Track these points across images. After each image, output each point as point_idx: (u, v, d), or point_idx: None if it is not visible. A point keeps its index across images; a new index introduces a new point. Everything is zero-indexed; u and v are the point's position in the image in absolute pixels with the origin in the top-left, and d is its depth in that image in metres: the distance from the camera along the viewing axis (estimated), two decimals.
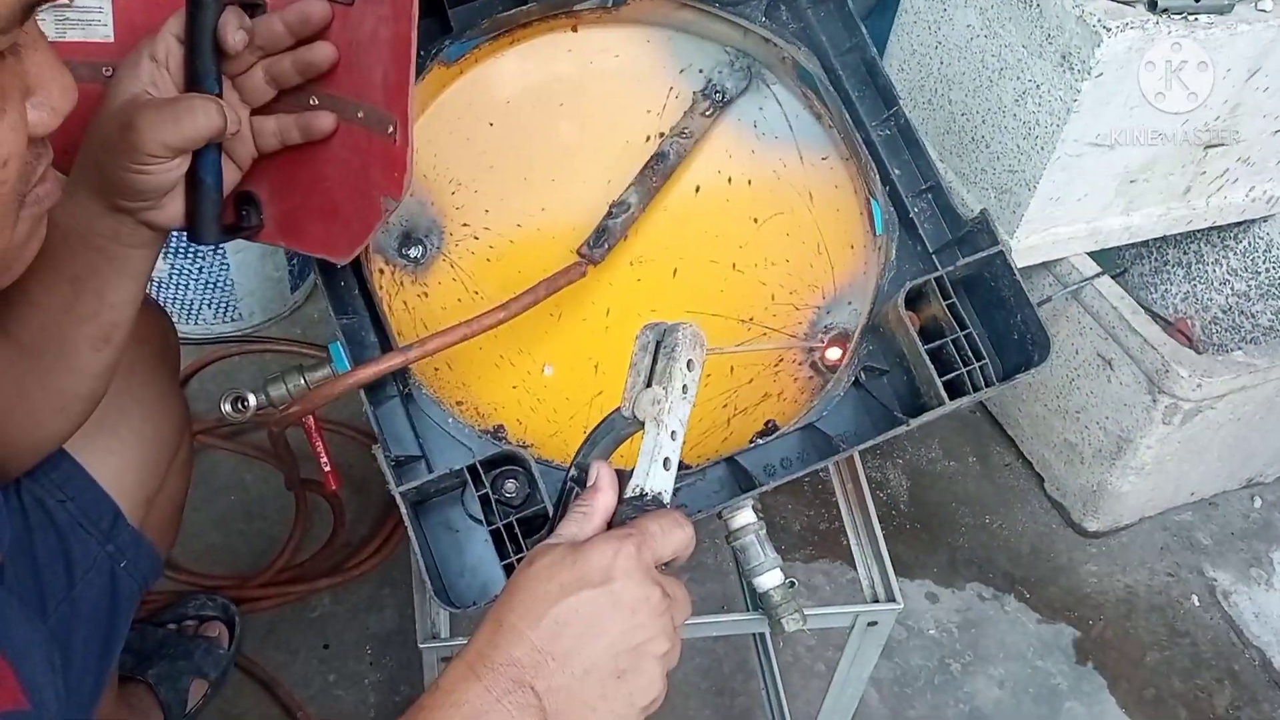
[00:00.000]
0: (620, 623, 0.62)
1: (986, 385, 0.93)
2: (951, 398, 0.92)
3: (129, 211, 0.74)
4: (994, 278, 0.96)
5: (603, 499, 0.67)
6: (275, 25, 0.73)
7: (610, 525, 0.67)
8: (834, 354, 1.04)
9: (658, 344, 0.71)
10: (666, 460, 0.68)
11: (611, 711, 0.62)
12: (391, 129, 0.72)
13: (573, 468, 0.70)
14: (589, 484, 0.68)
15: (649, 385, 0.69)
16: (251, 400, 0.97)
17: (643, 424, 0.69)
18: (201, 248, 1.70)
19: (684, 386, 0.69)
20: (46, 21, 0.76)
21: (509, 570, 0.87)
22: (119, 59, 0.75)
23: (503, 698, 0.60)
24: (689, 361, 0.69)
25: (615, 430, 0.70)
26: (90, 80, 0.75)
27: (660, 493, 0.68)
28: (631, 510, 0.67)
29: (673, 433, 0.68)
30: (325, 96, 0.76)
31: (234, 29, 0.71)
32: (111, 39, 0.77)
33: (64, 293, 0.77)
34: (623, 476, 0.69)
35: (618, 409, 0.70)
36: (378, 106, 0.73)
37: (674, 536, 0.65)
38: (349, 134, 0.75)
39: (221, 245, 1.27)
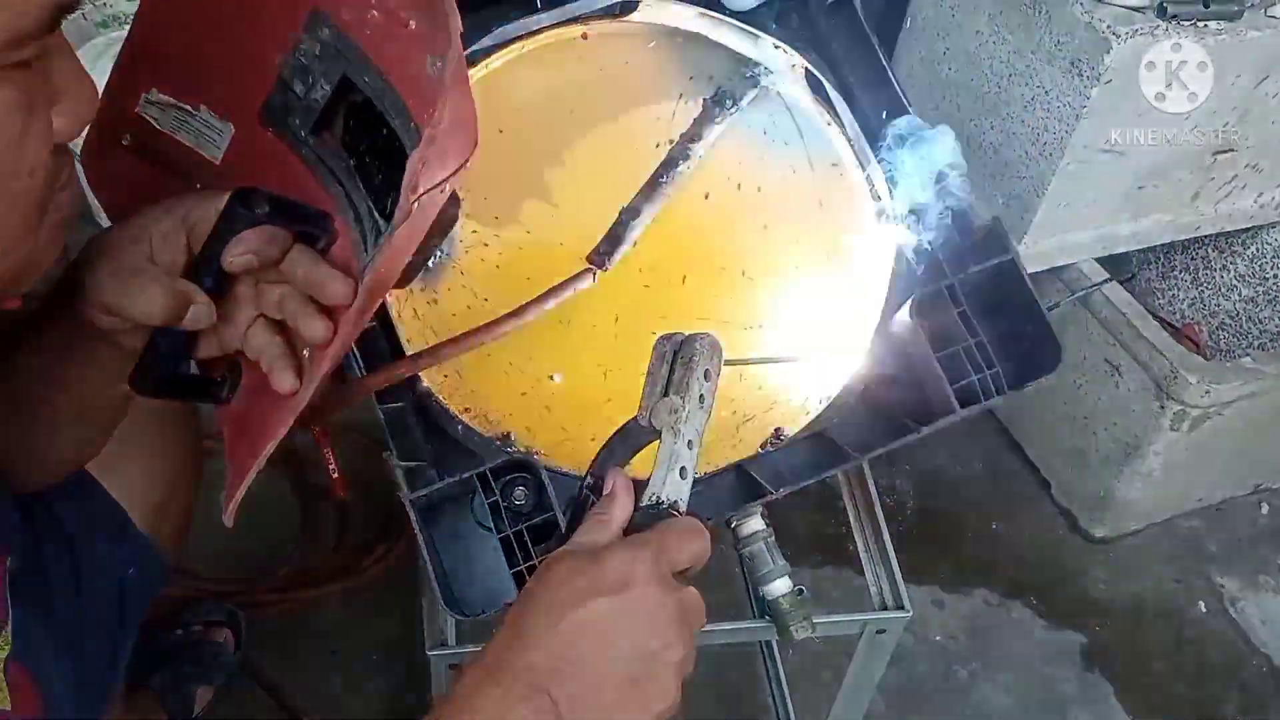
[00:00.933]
0: (637, 630, 0.62)
1: (997, 393, 0.93)
2: (962, 406, 0.91)
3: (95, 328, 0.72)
4: (1005, 285, 0.95)
5: (619, 508, 0.67)
6: (296, 270, 0.69)
7: (626, 533, 0.67)
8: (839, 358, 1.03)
9: (675, 353, 0.71)
10: (683, 469, 0.69)
11: (627, 718, 0.62)
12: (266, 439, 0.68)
13: (588, 476, 0.71)
14: (605, 492, 0.68)
15: (666, 394, 0.69)
16: None
17: (659, 433, 0.69)
18: None
19: (701, 396, 0.70)
20: (166, 113, 0.75)
21: (518, 578, 0.87)
22: (210, 183, 0.73)
23: (519, 704, 0.60)
24: (706, 371, 0.70)
25: (631, 439, 0.71)
26: (176, 176, 0.74)
27: (676, 501, 0.68)
28: (648, 518, 0.67)
29: (689, 442, 0.69)
30: (313, 360, 0.70)
31: (241, 250, 0.67)
32: (217, 162, 0.75)
33: (43, 368, 0.76)
34: (638, 485, 0.69)
35: (634, 418, 0.71)
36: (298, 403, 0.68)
37: (691, 545, 0.66)
38: (286, 407, 0.70)
39: None
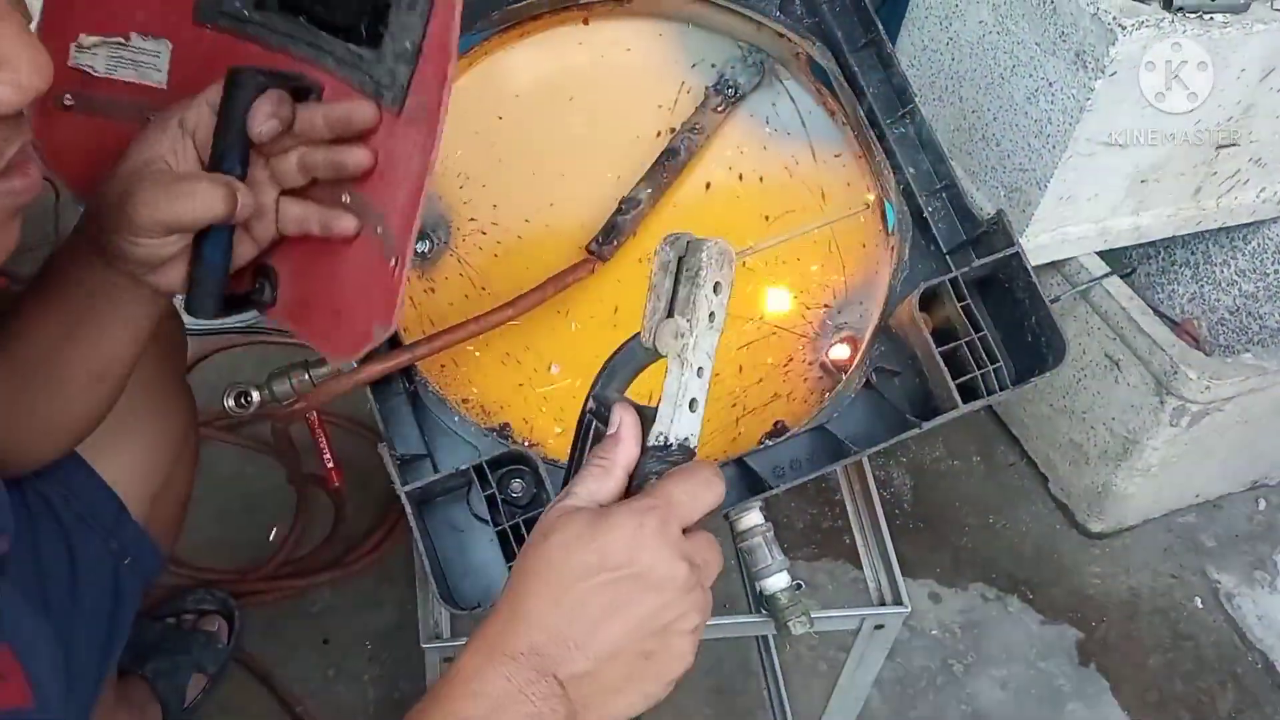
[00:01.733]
0: (646, 604, 0.58)
1: (1000, 389, 0.92)
2: (965, 401, 0.90)
3: (124, 273, 0.72)
4: (1009, 279, 0.94)
5: (623, 451, 0.61)
6: (317, 119, 0.70)
7: (632, 479, 0.61)
8: (840, 351, 1.02)
9: (680, 261, 0.61)
10: (693, 402, 0.61)
11: (640, 690, 0.59)
12: (394, 261, 0.68)
13: (590, 399, 0.64)
14: (610, 431, 0.61)
15: (670, 314, 0.60)
16: (255, 396, 0.96)
17: (664, 356, 0.61)
18: None
19: (711, 314, 0.60)
20: (99, 55, 0.74)
21: None
22: (166, 107, 0.73)
23: (525, 688, 0.57)
24: (716, 285, 0.60)
25: (635, 360, 0.63)
26: (130, 121, 0.74)
27: (686, 438, 0.61)
28: (656, 463, 0.60)
29: (699, 369, 0.60)
30: (357, 197, 0.72)
31: (264, 117, 0.69)
32: (164, 86, 0.75)
33: (61, 327, 0.75)
34: (645, 415, 0.61)
35: (636, 336, 0.62)
36: (392, 231, 0.69)
37: (702, 499, 0.60)
38: (368, 242, 0.72)
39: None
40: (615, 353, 0.64)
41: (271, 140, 0.70)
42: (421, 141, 0.66)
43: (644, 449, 0.61)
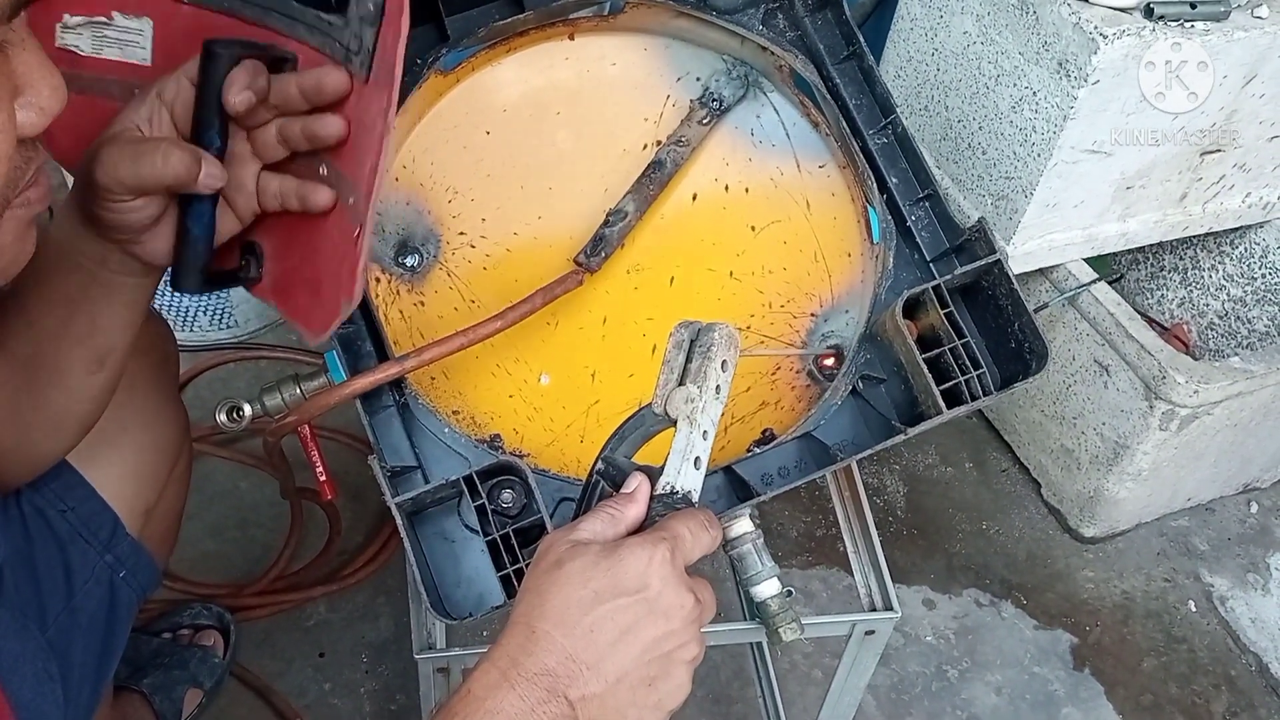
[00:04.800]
0: (654, 630, 0.62)
1: (984, 394, 0.93)
2: (949, 406, 0.91)
3: (113, 242, 0.73)
4: (992, 286, 0.95)
5: (634, 510, 0.67)
6: (290, 88, 0.70)
7: (640, 525, 0.68)
8: (827, 360, 1.03)
9: (692, 342, 0.70)
10: (698, 459, 0.69)
11: (640, 717, 0.63)
12: (357, 230, 0.69)
13: (599, 461, 0.70)
14: (625, 490, 0.68)
15: (682, 383, 0.69)
16: (247, 410, 0.97)
17: (674, 421, 0.69)
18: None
19: (718, 387, 0.69)
20: (84, 35, 0.75)
21: (505, 581, 0.87)
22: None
23: (537, 707, 0.60)
24: (724, 362, 0.70)
25: (645, 426, 0.71)
26: (119, 99, 0.74)
27: (690, 491, 0.68)
28: (661, 508, 0.67)
29: (705, 432, 0.69)
30: (334, 170, 0.72)
31: (239, 89, 0.69)
32: (149, 63, 0.76)
33: (58, 313, 0.76)
34: (651, 473, 0.69)
35: (648, 405, 0.70)
36: (359, 201, 0.70)
37: (703, 539, 0.66)
38: (342, 216, 0.72)
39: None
40: (626, 420, 0.72)
41: (250, 112, 0.71)
42: (383, 105, 0.67)
43: (652, 497, 0.68)
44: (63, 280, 0.75)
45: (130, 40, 0.76)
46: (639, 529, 0.67)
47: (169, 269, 0.76)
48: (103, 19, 0.74)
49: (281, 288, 0.78)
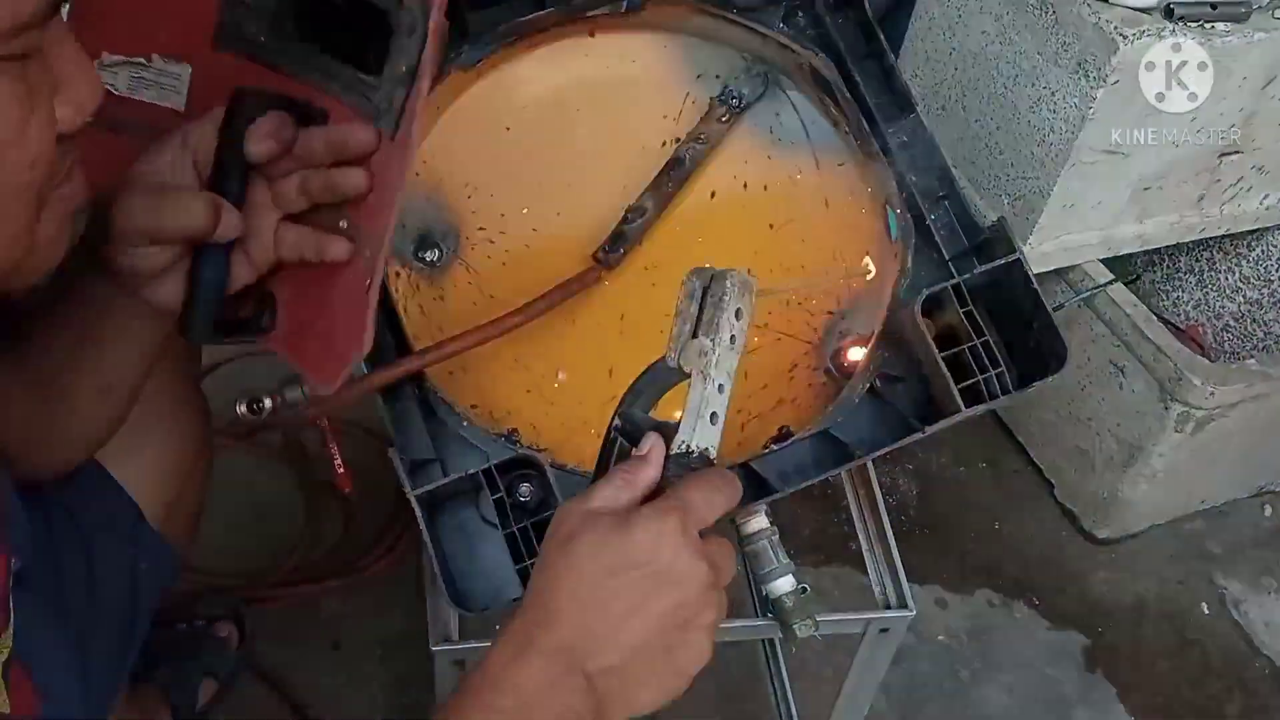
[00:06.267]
0: (668, 600, 0.62)
1: (1003, 393, 0.93)
2: (968, 405, 0.91)
3: (123, 285, 0.73)
4: (1011, 286, 0.95)
5: (648, 473, 0.65)
6: (316, 142, 0.71)
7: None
8: (856, 353, 1.04)
9: (705, 291, 0.68)
10: (714, 415, 0.66)
11: (660, 685, 0.62)
12: (368, 282, 0.70)
13: (616, 417, 0.69)
14: (638, 453, 0.66)
15: (695, 335, 0.67)
16: (267, 403, 0.97)
17: (688, 375, 0.67)
18: None
19: (732, 337, 0.67)
20: (120, 74, 0.75)
21: (523, 574, 0.87)
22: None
23: (555, 682, 0.60)
24: (738, 310, 0.67)
25: (659, 380, 0.68)
26: (149, 139, 0.74)
27: (706, 448, 0.66)
28: (677, 468, 0.65)
29: (720, 386, 0.66)
30: (354, 224, 0.73)
31: (260, 138, 0.69)
32: (182, 108, 0.77)
33: (67, 341, 0.76)
34: (667, 430, 0.67)
35: (662, 358, 0.68)
36: (374, 254, 0.70)
37: (717, 501, 0.65)
38: (358, 270, 0.72)
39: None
40: (641, 375, 0.69)
41: (272, 162, 0.71)
42: (400, 164, 0.68)
43: (667, 456, 0.66)
44: (73, 310, 0.75)
45: (167, 84, 0.76)
46: (656, 491, 0.65)
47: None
48: (141, 60, 0.75)
49: (294, 338, 0.78)
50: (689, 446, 0.66)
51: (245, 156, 0.70)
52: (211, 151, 0.71)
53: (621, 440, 0.68)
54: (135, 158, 0.72)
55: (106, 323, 0.75)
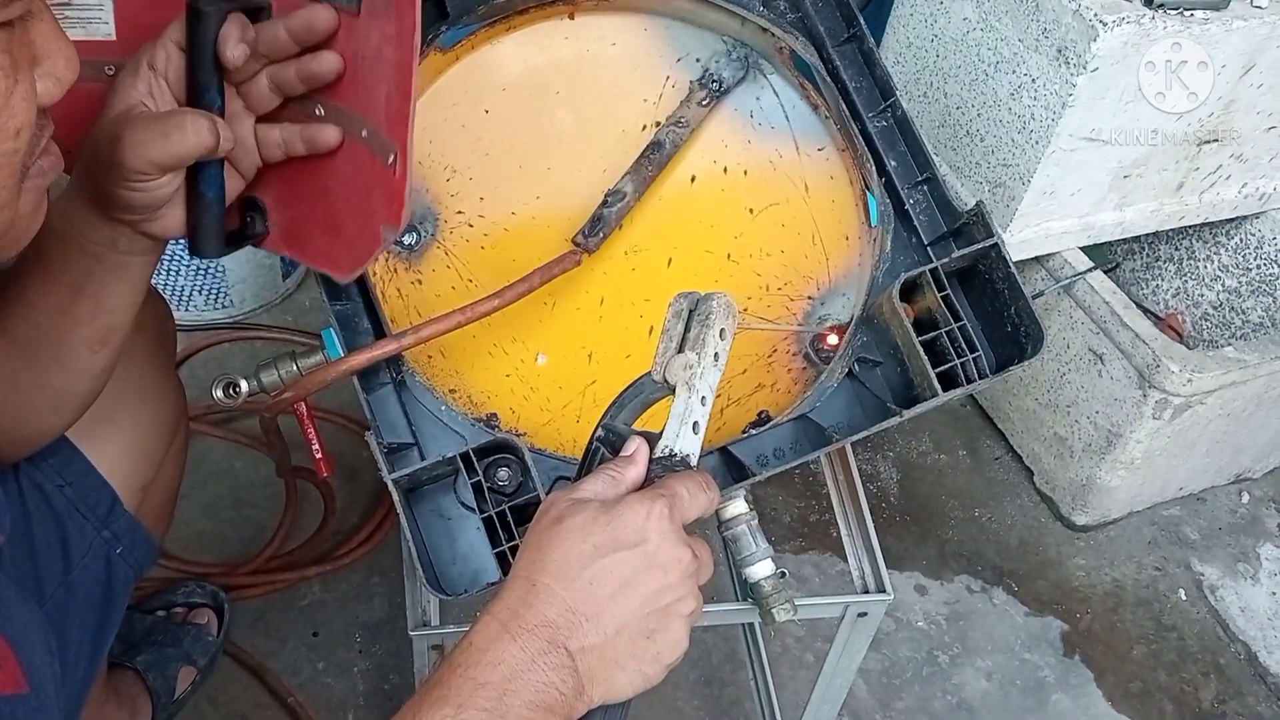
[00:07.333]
0: (652, 583, 0.63)
1: (980, 377, 0.93)
2: (945, 389, 0.91)
3: (125, 223, 0.73)
4: (989, 270, 0.96)
5: (633, 471, 0.68)
6: (279, 33, 0.70)
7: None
8: (834, 338, 1.04)
9: (691, 311, 0.72)
10: (696, 424, 0.70)
11: (639, 670, 0.64)
12: (392, 158, 0.69)
13: (599, 428, 0.72)
14: (624, 453, 0.69)
15: (681, 350, 0.71)
16: (244, 386, 0.97)
17: (673, 389, 0.71)
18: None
19: (716, 354, 0.71)
20: None
21: (501, 558, 0.87)
22: (122, 58, 0.73)
23: (538, 658, 0.61)
24: (722, 330, 0.71)
25: (644, 394, 0.72)
26: (93, 80, 0.74)
27: (688, 455, 0.70)
28: (660, 470, 0.69)
29: (703, 398, 0.70)
30: (331, 108, 0.73)
31: (234, 42, 0.69)
32: (114, 37, 0.75)
33: (61, 296, 0.76)
34: (650, 438, 0.70)
35: (647, 373, 0.72)
36: (380, 130, 0.70)
37: (700, 499, 0.67)
38: (353, 150, 0.72)
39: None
40: (625, 388, 0.73)
41: (242, 66, 0.71)
42: (393, 31, 0.66)
43: (651, 459, 0.70)
44: (65, 265, 0.75)
45: (91, 17, 0.75)
46: (639, 490, 0.68)
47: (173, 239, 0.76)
48: (60, 1, 0.74)
49: (294, 237, 0.79)
50: (672, 451, 0.70)
51: (218, 67, 0.70)
52: (179, 71, 0.71)
53: (604, 450, 0.71)
54: (85, 101, 0.72)
55: (102, 268, 0.75)
